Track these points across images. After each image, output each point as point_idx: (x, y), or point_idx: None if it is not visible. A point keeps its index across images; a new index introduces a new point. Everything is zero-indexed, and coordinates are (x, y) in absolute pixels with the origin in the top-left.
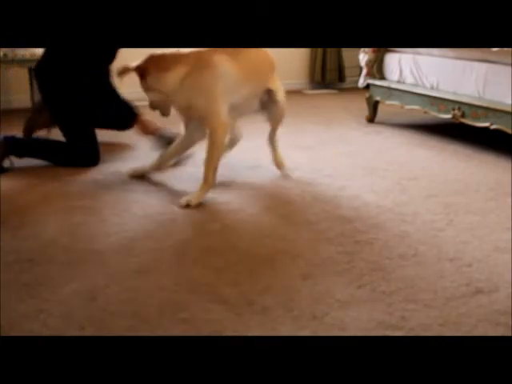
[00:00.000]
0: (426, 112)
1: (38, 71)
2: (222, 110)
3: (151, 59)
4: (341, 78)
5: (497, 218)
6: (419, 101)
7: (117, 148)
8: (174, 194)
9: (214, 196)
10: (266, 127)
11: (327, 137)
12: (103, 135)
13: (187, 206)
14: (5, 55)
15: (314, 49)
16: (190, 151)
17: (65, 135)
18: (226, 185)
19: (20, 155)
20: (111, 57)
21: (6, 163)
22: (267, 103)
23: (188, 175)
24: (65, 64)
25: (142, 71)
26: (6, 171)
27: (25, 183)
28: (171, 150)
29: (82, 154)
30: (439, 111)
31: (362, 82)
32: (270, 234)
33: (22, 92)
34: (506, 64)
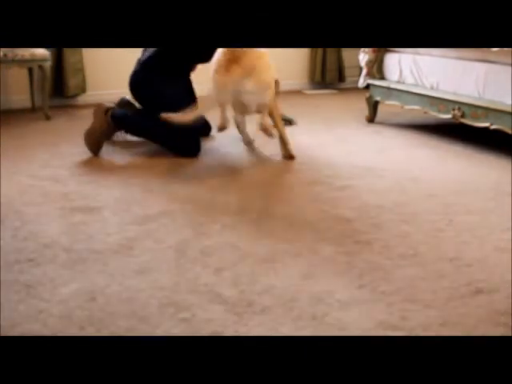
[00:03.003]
0: (425, 112)
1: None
2: None
3: None
4: (341, 77)
5: (497, 218)
6: (419, 101)
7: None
8: (174, 194)
9: (214, 195)
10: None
11: (327, 137)
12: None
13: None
14: (5, 55)
15: (314, 49)
16: None
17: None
18: (225, 184)
19: (132, 133)
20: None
21: (118, 137)
22: None
23: (185, 175)
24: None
25: None
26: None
27: (25, 183)
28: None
29: (182, 144)
30: (439, 111)
31: (361, 82)
32: (270, 233)
33: (22, 92)
34: (506, 64)
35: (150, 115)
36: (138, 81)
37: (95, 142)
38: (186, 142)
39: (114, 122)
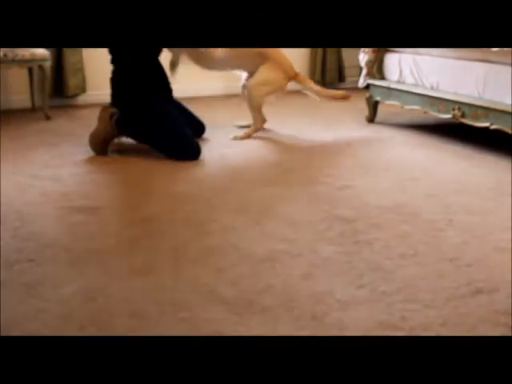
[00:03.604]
0: (425, 112)
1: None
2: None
3: None
4: (341, 78)
5: (497, 218)
6: (419, 101)
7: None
8: (174, 194)
9: (214, 195)
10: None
11: (327, 137)
12: None
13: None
14: (5, 55)
15: (314, 49)
16: None
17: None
18: (225, 184)
19: (130, 136)
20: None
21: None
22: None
23: (186, 175)
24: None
25: None
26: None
27: (25, 183)
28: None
29: (183, 149)
30: (439, 111)
31: (361, 82)
32: (270, 233)
33: (22, 92)
34: (506, 64)
35: (152, 123)
36: (112, 90)
37: (100, 143)
38: (186, 147)
39: (118, 128)
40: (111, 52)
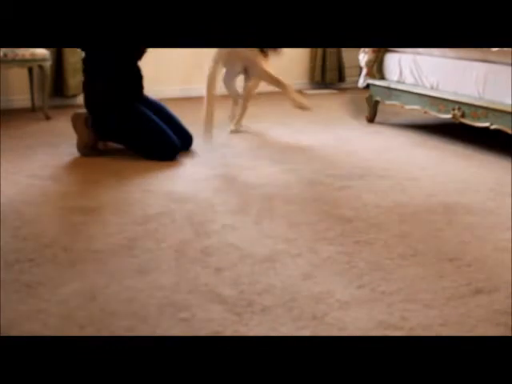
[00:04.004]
0: (426, 112)
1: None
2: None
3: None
4: (341, 78)
5: (497, 218)
6: (419, 101)
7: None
8: (174, 194)
9: (214, 196)
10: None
11: (327, 137)
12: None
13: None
14: (5, 55)
15: (314, 49)
16: None
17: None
18: (225, 184)
19: (108, 139)
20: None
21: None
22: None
23: (186, 175)
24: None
25: None
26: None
27: (25, 183)
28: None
29: (157, 147)
30: (439, 111)
31: (361, 82)
32: (269, 234)
33: (22, 92)
34: (506, 64)
35: (128, 125)
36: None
37: (89, 150)
38: (162, 147)
39: (98, 135)
40: (84, 59)
